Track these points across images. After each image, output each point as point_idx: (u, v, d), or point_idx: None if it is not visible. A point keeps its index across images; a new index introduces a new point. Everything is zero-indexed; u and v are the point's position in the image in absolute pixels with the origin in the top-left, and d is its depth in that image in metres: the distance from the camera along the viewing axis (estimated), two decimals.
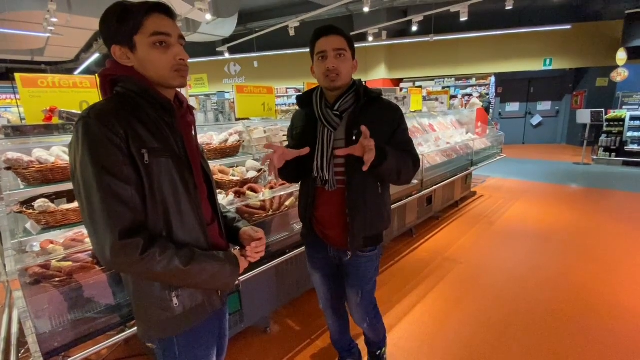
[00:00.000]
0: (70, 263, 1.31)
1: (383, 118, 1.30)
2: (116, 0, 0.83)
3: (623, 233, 3.59)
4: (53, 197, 1.70)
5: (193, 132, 0.96)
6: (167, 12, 0.85)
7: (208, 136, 2.24)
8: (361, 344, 1.83)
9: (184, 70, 0.88)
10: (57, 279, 1.25)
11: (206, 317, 0.96)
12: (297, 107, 1.45)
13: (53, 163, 1.58)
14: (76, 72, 11.36)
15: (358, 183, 1.29)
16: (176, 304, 0.89)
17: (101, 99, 0.86)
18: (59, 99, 1.89)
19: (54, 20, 4.99)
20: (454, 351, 1.97)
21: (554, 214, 4.27)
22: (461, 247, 3.39)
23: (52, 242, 1.41)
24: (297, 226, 2.13)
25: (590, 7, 8.44)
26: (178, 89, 0.93)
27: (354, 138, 1.23)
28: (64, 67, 11.94)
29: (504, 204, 4.73)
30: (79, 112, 1.81)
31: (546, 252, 3.21)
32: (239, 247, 1.04)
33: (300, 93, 1.46)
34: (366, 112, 1.28)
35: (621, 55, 7.57)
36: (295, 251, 2.02)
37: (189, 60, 0.90)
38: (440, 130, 4.61)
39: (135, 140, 0.79)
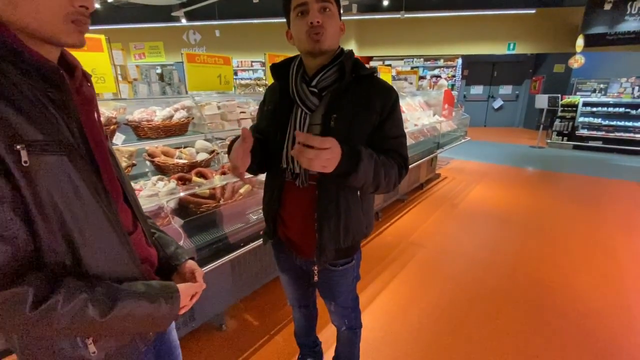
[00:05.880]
0: None
1: (370, 103, 1.00)
2: None
3: (572, 214, 3.77)
4: None
5: (95, 113, 0.67)
6: None
7: (149, 111, 1.92)
8: (325, 342, 1.72)
9: (85, 23, 0.57)
10: None
11: (138, 357, 0.74)
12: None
13: None
14: None
15: (332, 182, 1.00)
16: (93, 352, 0.64)
17: None
18: None
19: None
20: (417, 340, 1.93)
21: (512, 196, 4.41)
22: (425, 231, 3.38)
23: None
24: (254, 216, 1.93)
25: None
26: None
27: (331, 124, 0.97)
28: None
29: (467, 186, 4.81)
30: None
31: (505, 235, 3.28)
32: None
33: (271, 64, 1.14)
34: (352, 92, 1.00)
35: (579, 42, 7.85)
36: (252, 244, 1.83)
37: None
38: (408, 112, 4.51)
39: (2, 133, 0.50)
